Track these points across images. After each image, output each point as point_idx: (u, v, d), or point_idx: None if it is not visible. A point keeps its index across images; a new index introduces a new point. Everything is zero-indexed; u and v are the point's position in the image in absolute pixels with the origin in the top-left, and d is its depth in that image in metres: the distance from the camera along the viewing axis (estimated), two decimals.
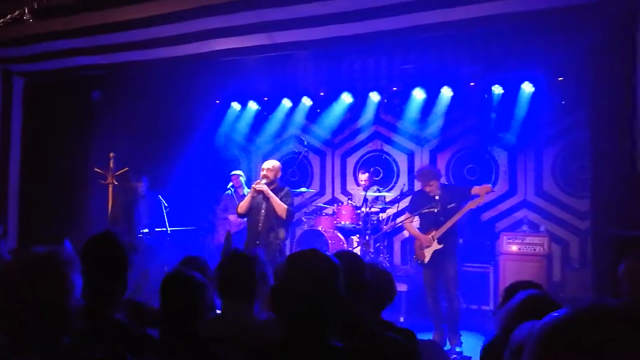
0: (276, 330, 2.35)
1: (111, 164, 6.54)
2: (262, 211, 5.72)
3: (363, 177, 7.53)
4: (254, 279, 2.59)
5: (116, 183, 6.61)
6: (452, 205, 5.82)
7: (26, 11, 4.63)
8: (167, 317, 2.24)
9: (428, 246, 5.81)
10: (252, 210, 5.80)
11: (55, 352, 1.64)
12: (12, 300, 1.64)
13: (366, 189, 7.38)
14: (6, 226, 6.17)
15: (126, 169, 6.68)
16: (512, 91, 7.57)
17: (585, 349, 0.79)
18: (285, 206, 5.63)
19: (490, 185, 5.96)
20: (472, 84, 7.72)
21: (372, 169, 8.14)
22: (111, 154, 6.55)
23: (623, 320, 0.80)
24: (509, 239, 7.06)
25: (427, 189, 5.89)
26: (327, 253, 1.78)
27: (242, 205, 5.85)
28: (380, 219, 7.52)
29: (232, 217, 7.81)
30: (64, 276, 1.66)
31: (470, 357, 5.46)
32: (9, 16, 4.86)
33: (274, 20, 5.04)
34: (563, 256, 7.55)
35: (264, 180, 5.73)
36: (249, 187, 7.38)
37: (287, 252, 6.02)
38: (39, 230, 5.51)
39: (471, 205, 5.77)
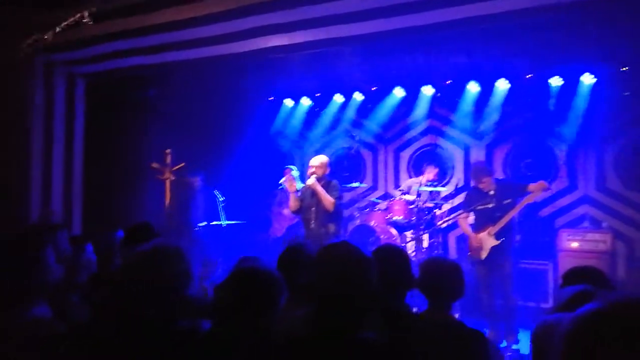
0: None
1: (168, 160, 6.76)
2: (313, 208, 5.76)
3: (433, 171, 7.51)
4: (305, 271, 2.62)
5: (173, 178, 6.83)
6: (508, 201, 5.68)
7: (85, 14, 4.84)
8: (239, 312, 2.18)
9: (480, 245, 5.70)
10: (304, 207, 5.87)
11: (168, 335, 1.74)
12: (135, 287, 1.77)
13: (431, 183, 7.32)
14: (71, 217, 6.49)
15: (182, 164, 6.89)
16: (571, 83, 7.28)
17: (615, 341, 0.78)
18: (332, 199, 5.64)
19: (545, 182, 5.76)
20: (529, 76, 7.47)
21: (425, 164, 8.03)
22: (168, 150, 6.77)
23: None
24: (568, 236, 6.80)
25: (481, 185, 5.78)
26: (358, 247, 1.77)
27: (292, 204, 5.94)
28: (435, 214, 7.43)
29: (287, 212, 7.90)
30: (187, 266, 1.83)
31: (527, 355, 5.32)
32: (70, 20, 5.10)
33: (321, 16, 5.05)
34: (628, 254, 7.19)
35: (314, 176, 5.77)
36: (302, 182, 7.48)
37: None
38: (100, 223, 5.75)
39: (528, 200, 5.63)
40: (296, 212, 5.99)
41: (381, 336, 1.69)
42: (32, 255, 2.14)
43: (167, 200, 6.92)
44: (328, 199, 5.66)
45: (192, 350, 1.77)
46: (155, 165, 6.80)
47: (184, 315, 1.89)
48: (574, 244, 6.74)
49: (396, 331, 1.95)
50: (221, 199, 7.55)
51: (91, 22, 4.92)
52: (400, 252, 2.66)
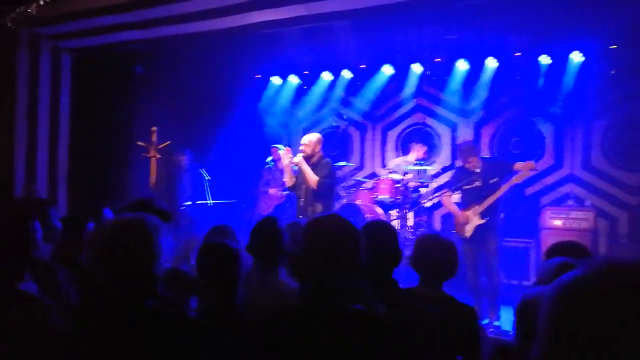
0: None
1: (154, 138, 6.70)
2: (303, 186, 5.75)
3: (422, 149, 7.53)
4: (277, 243, 2.70)
5: (159, 156, 6.78)
6: (495, 180, 5.72)
7: None
8: (205, 286, 2.30)
9: (467, 223, 5.75)
10: (296, 185, 5.84)
11: (139, 312, 1.71)
12: (102, 262, 1.73)
13: (419, 162, 7.34)
14: (56, 193, 6.44)
15: (168, 142, 6.84)
16: (560, 61, 7.29)
17: (599, 303, 0.79)
18: (316, 178, 5.60)
19: (533, 162, 5.80)
20: (517, 54, 7.47)
21: (412, 143, 8.04)
22: (154, 128, 6.71)
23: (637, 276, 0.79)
24: (552, 214, 6.88)
25: (467, 165, 5.81)
26: (348, 219, 1.78)
27: (287, 179, 5.91)
28: (421, 193, 7.47)
29: (273, 191, 7.90)
30: (153, 240, 1.74)
31: (508, 331, 5.41)
32: None
33: None
34: (610, 232, 7.29)
35: (300, 155, 5.73)
36: None
37: None
38: (86, 200, 5.72)
39: (516, 180, 5.67)
40: (291, 189, 5.94)
41: (374, 309, 1.70)
42: (18, 230, 2.12)
43: (153, 179, 6.87)
44: (312, 177, 5.61)
45: (163, 329, 1.75)
46: (141, 143, 6.74)
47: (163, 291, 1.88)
48: (557, 222, 6.82)
49: (389, 304, 1.97)
50: (207, 178, 7.52)
51: None
52: (388, 227, 2.67)
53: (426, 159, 7.67)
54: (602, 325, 0.77)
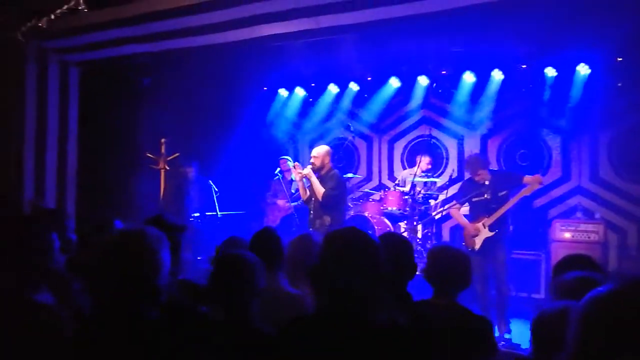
0: (304, 304, 2.41)
1: (163, 149, 6.73)
2: (313, 198, 5.76)
3: (425, 160, 7.53)
4: (276, 250, 2.81)
5: (168, 168, 6.80)
6: (504, 192, 5.71)
7: (81, 1, 4.79)
8: (220, 296, 2.29)
9: (476, 235, 5.73)
10: (309, 197, 5.86)
11: (141, 324, 1.70)
12: (105, 274, 1.73)
13: (425, 173, 7.34)
14: (65, 205, 6.45)
15: (177, 154, 6.86)
16: (566, 73, 7.29)
17: (630, 320, 0.78)
18: (322, 190, 5.61)
19: (541, 176, 5.81)
20: (524, 66, 7.48)
21: (420, 155, 8.05)
22: (163, 140, 6.74)
23: None
24: (561, 226, 6.85)
25: (476, 177, 5.80)
26: (366, 231, 1.78)
27: (301, 193, 5.95)
28: (430, 205, 7.46)
29: (281, 202, 7.90)
30: (154, 253, 1.73)
31: (520, 345, 5.37)
32: (65, 7, 5.04)
33: (318, 5, 5.02)
34: (620, 244, 7.27)
35: (309, 167, 5.76)
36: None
37: None
38: (95, 212, 5.73)
39: (525, 192, 5.66)
40: (305, 202, 5.96)
41: (394, 320, 1.70)
42: (37, 241, 2.12)
43: (162, 190, 6.89)
44: (318, 190, 5.63)
45: (164, 340, 1.74)
46: (150, 154, 6.77)
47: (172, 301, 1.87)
48: (567, 235, 6.79)
49: (409, 316, 1.96)
50: (215, 190, 7.54)
51: (86, 10, 4.87)
52: (405, 240, 2.68)
53: (431, 169, 7.67)
54: (634, 341, 0.77)
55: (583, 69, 7.14)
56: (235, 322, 2.20)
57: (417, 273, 2.72)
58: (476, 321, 2.56)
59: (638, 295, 0.81)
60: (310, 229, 5.65)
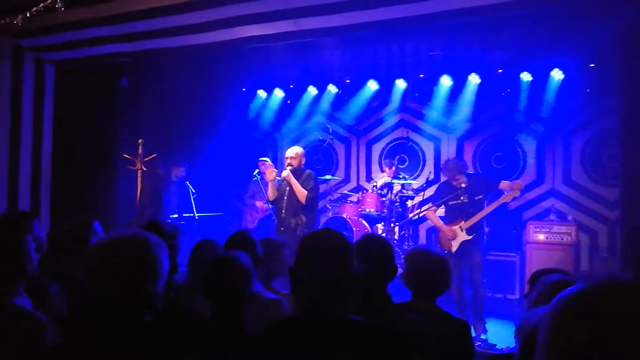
0: (283, 308, 2.43)
1: (140, 150, 6.66)
2: (285, 197, 5.79)
3: (389, 171, 7.65)
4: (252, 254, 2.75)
5: (144, 169, 6.73)
6: (480, 196, 5.79)
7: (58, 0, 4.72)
8: (215, 296, 2.30)
9: (453, 238, 5.80)
10: (277, 196, 5.90)
11: (135, 329, 1.69)
12: (101, 278, 1.69)
13: (393, 178, 7.43)
14: (39, 207, 6.34)
15: (154, 155, 6.80)
16: (541, 78, 7.43)
17: (598, 320, 0.80)
18: (305, 192, 5.67)
19: (520, 182, 5.93)
20: (500, 70, 7.60)
21: (397, 157, 8.14)
22: (140, 140, 6.68)
23: (636, 293, 0.81)
24: (535, 228, 6.98)
25: (454, 182, 5.87)
26: (341, 232, 1.81)
27: (269, 193, 5.97)
28: (407, 206, 7.54)
29: (259, 204, 7.89)
30: (156, 260, 1.69)
31: (495, 345, 5.45)
32: (41, 4, 4.96)
33: (299, 7, 5.03)
34: (591, 245, 7.44)
35: (289, 168, 5.79)
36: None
37: None
38: (70, 213, 5.64)
39: (505, 199, 5.76)
40: (272, 202, 6.01)
41: (369, 321, 1.72)
42: (13, 243, 2.09)
43: (139, 192, 6.82)
44: (301, 192, 5.67)
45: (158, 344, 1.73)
46: (127, 155, 6.70)
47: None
48: (541, 236, 6.92)
49: (382, 318, 1.99)
50: (193, 191, 7.49)
51: (63, 8, 4.80)
52: (385, 241, 2.70)
53: (396, 176, 7.77)
54: (603, 340, 0.79)
55: (557, 74, 7.28)
56: (227, 325, 2.20)
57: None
58: (454, 324, 2.60)
59: (606, 293, 0.84)
60: (282, 229, 5.70)
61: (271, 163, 7.59)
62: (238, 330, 2.17)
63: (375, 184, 7.80)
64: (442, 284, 2.68)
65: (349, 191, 8.45)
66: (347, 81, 8.60)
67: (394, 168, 7.74)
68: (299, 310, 1.78)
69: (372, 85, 8.41)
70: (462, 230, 5.74)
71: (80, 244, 2.72)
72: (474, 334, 5.68)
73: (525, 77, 7.47)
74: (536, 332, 1.34)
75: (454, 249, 5.81)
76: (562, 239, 6.82)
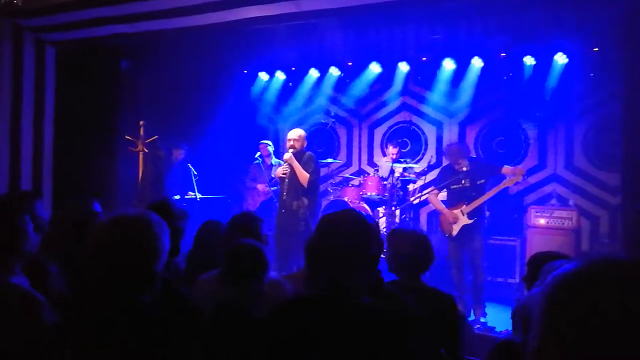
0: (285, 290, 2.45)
1: (141, 132, 6.66)
2: (286, 180, 5.81)
3: (393, 150, 7.57)
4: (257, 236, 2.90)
5: (146, 151, 6.73)
6: (482, 181, 5.79)
7: None
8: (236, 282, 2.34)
9: (454, 222, 5.80)
10: (279, 178, 5.93)
11: (134, 309, 1.69)
12: (102, 259, 1.70)
13: (395, 161, 7.40)
14: (41, 187, 6.35)
15: (155, 137, 6.79)
16: (544, 62, 7.36)
17: (593, 299, 0.80)
18: (307, 175, 5.69)
19: (523, 168, 5.92)
20: (503, 54, 7.54)
21: (400, 141, 8.10)
22: (141, 122, 6.66)
23: (633, 272, 0.81)
24: (537, 212, 6.97)
25: (456, 166, 5.86)
26: (362, 213, 1.81)
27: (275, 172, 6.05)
28: (409, 190, 7.53)
29: (260, 187, 7.89)
30: (156, 239, 1.71)
31: (494, 327, 5.49)
32: None
33: None
34: (592, 231, 7.44)
35: (291, 150, 5.80)
36: (276, 157, 7.47)
37: (314, 221, 6.10)
38: (72, 194, 5.65)
39: (507, 183, 5.77)
40: (274, 184, 6.13)
41: (381, 304, 1.72)
42: (11, 222, 2.09)
43: (140, 173, 6.82)
44: (303, 174, 5.70)
45: (160, 326, 1.74)
46: (129, 137, 6.69)
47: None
48: (542, 221, 6.91)
49: (379, 297, 2.00)
50: (195, 173, 7.50)
51: None
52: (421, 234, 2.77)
53: (401, 157, 7.74)
54: (597, 318, 0.79)
55: (561, 59, 7.21)
56: (239, 308, 2.23)
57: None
58: (443, 300, 2.66)
59: (602, 273, 0.83)
60: (283, 211, 5.74)
61: (271, 147, 7.60)
62: (247, 313, 2.19)
63: (379, 167, 7.79)
64: (423, 261, 2.74)
65: (350, 175, 8.44)
66: (349, 64, 8.54)
67: (398, 147, 7.70)
68: (313, 289, 1.76)
69: (375, 68, 8.35)
70: (463, 215, 5.75)
71: (81, 225, 2.73)
72: (472, 317, 5.72)
73: (529, 61, 7.40)
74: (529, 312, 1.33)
75: (454, 232, 5.82)
76: (563, 223, 6.82)
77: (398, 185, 7.31)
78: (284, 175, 5.86)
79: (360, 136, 9.29)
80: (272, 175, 6.10)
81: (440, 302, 2.64)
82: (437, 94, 8.33)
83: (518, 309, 2.15)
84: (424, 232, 2.93)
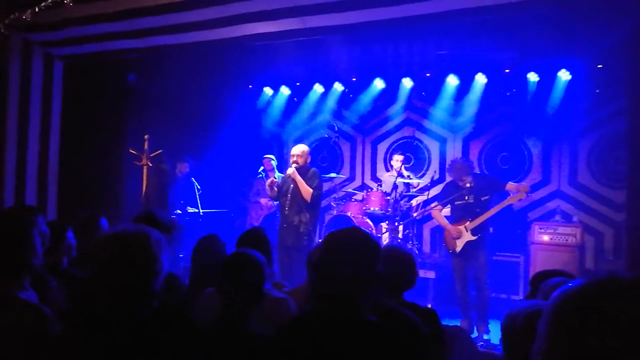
0: (289, 307, 2.43)
1: (146, 146, 6.69)
2: (289, 195, 5.82)
3: (398, 158, 7.53)
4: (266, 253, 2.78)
5: (150, 165, 6.76)
6: (486, 197, 5.78)
7: None
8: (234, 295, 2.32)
9: (458, 237, 5.79)
10: (280, 193, 5.95)
11: (131, 325, 1.69)
12: (100, 275, 1.70)
13: (399, 172, 7.37)
14: (46, 201, 6.38)
15: (160, 151, 6.83)
16: (548, 79, 7.40)
17: (598, 314, 0.82)
18: (311, 190, 5.71)
19: (527, 185, 5.92)
20: (507, 70, 7.58)
21: (405, 155, 8.11)
22: (146, 136, 6.70)
23: (636, 291, 0.82)
24: (540, 229, 6.95)
25: (460, 183, 5.86)
26: (367, 232, 1.82)
27: (272, 192, 6.05)
28: (412, 205, 7.53)
29: (264, 201, 7.91)
30: (155, 258, 1.70)
31: (497, 345, 5.44)
32: (50, 0, 4.99)
33: (306, 5, 5.04)
34: (597, 248, 7.41)
35: (294, 165, 5.81)
36: (280, 171, 7.49)
37: (316, 236, 6.10)
38: (76, 209, 5.68)
39: (511, 200, 5.75)
40: (274, 198, 6.13)
41: (381, 320, 1.73)
42: (21, 237, 2.10)
43: (144, 187, 6.85)
44: (307, 190, 5.71)
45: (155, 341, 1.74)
46: (133, 151, 6.73)
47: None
48: (546, 237, 6.89)
49: (387, 315, 2.00)
50: (198, 187, 7.52)
51: (72, 3, 4.82)
52: (409, 254, 2.76)
53: (407, 168, 7.73)
54: (603, 335, 0.80)
55: (564, 75, 7.25)
56: (235, 322, 2.21)
57: None
58: (426, 314, 2.63)
59: (607, 289, 0.85)
60: (285, 226, 5.74)
61: (274, 161, 7.62)
62: (244, 328, 2.17)
63: (382, 182, 7.78)
64: (411, 281, 2.74)
65: (353, 189, 8.45)
66: (354, 79, 8.59)
67: (402, 157, 7.65)
68: (317, 306, 1.77)
69: (379, 84, 8.40)
70: (467, 231, 5.74)
71: (80, 241, 2.74)
72: (476, 334, 5.69)
73: (532, 77, 7.44)
74: (516, 322, 1.34)
75: (458, 248, 5.80)
76: (567, 240, 6.80)
77: (401, 201, 7.30)
78: (273, 184, 5.92)
79: (363, 151, 9.32)
80: (267, 187, 6.12)
81: (423, 316, 2.62)
82: (441, 109, 8.37)
83: (507, 321, 2.11)
84: (410, 251, 2.93)
